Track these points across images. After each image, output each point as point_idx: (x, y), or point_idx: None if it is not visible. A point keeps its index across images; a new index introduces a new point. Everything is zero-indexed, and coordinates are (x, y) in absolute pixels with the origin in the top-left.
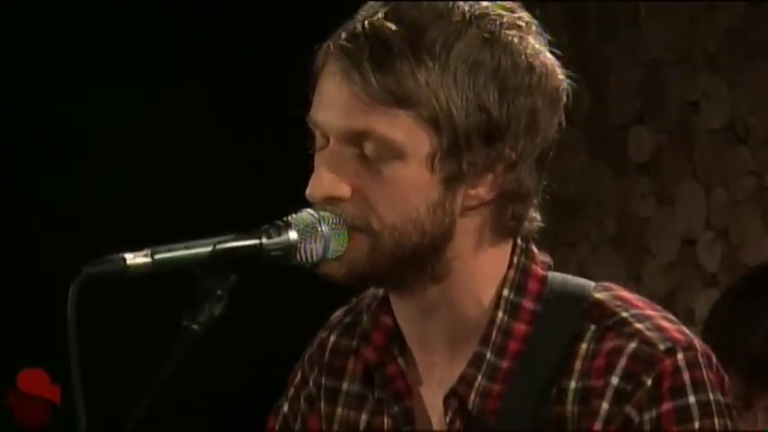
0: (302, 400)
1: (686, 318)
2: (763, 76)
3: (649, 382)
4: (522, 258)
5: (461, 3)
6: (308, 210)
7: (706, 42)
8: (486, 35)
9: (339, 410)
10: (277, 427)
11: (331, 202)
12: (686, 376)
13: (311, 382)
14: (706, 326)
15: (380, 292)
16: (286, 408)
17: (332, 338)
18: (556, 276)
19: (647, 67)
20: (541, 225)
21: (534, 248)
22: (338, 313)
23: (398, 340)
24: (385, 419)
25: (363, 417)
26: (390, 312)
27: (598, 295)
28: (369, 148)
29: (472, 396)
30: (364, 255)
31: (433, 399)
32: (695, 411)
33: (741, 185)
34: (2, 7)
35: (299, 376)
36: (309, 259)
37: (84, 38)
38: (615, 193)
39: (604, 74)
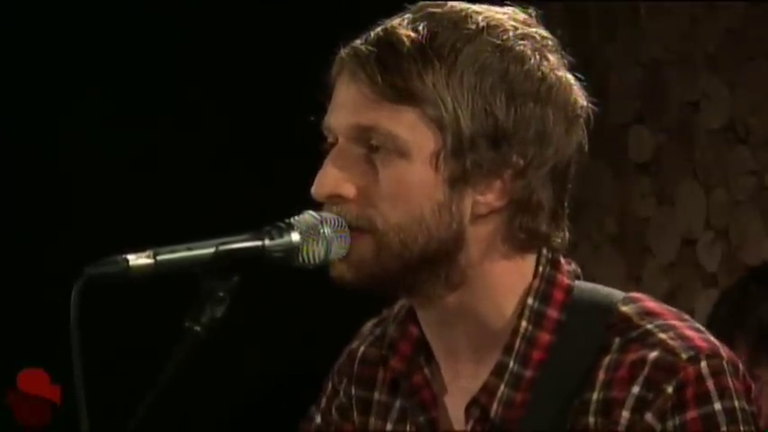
0: (334, 410)
1: None
2: (763, 76)
3: (670, 389)
4: (548, 268)
5: (475, 14)
6: (310, 212)
7: (706, 42)
8: (497, 42)
9: (372, 420)
10: None
11: (335, 200)
12: (710, 384)
13: (342, 393)
14: (720, 298)
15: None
16: (318, 419)
17: (361, 349)
18: (583, 286)
19: (647, 67)
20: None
21: (561, 258)
22: (369, 324)
23: (425, 350)
24: (408, 428)
25: (388, 426)
26: (417, 322)
27: (624, 308)
28: (374, 143)
29: (494, 405)
30: (370, 255)
31: (457, 408)
32: (721, 418)
33: (741, 185)
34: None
35: (329, 387)
36: (311, 261)
37: (89, 40)
38: (615, 193)
39: (604, 74)
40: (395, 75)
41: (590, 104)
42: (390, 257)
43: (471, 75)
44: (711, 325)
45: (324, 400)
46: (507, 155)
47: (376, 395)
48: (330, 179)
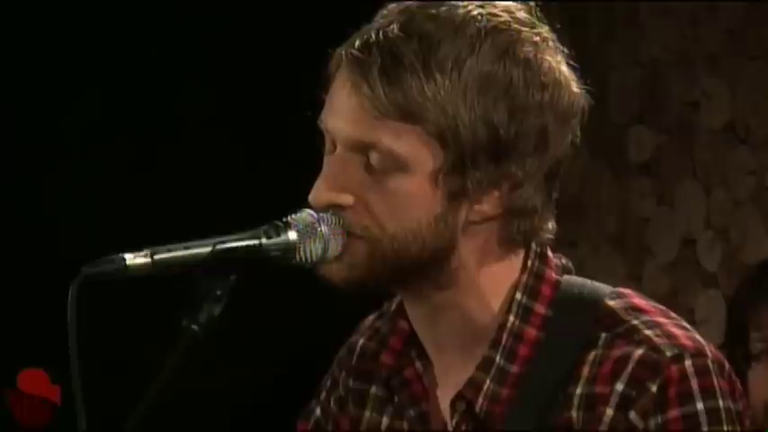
0: (333, 402)
1: (686, 318)
2: (763, 76)
3: (654, 388)
4: (537, 263)
5: (478, 14)
6: (308, 210)
7: (706, 42)
8: (499, 51)
9: (367, 414)
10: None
11: (333, 208)
12: (694, 383)
13: (341, 385)
14: (747, 273)
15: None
16: (318, 411)
17: (360, 342)
18: (571, 280)
19: (647, 67)
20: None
21: (549, 252)
22: (370, 318)
23: (416, 344)
24: (404, 423)
25: (384, 420)
26: (407, 316)
27: (611, 303)
28: (374, 158)
29: (480, 400)
30: (363, 260)
31: (447, 402)
32: (703, 418)
33: (741, 185)
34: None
35: (329, 380)
36: (309, 259)
37: (87, 39)
38: (615, 193)
39: (604, 74)
40: (397, 91)
41: (584, 93)
42: (382, 264)
43: (474, 90)
44: (735, 301)
45: (324, 393)
46: (507, 168)
47: (373, 389)
48: (328, 189)
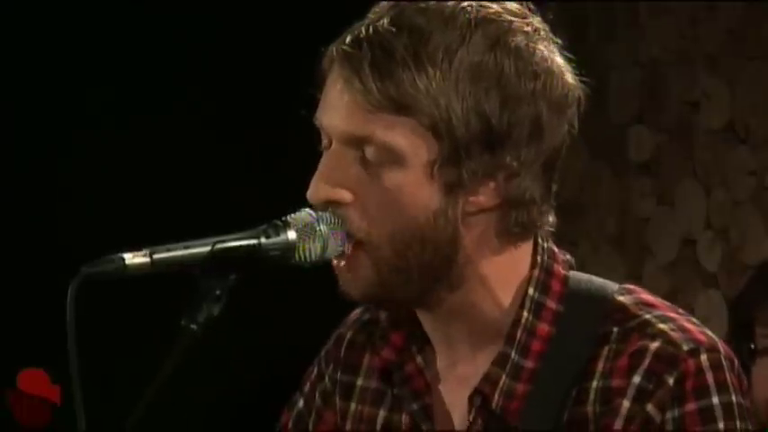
0: (317, 395)
1: None
2: (763, 76)
3: (671, 381)
4: (545, 258)
5: (469, 6)
6: (307, 209)
7: (706, 42)
8: (490, 41)
9: (353, 406)
10: (291, 424)
11: (331, 205)
12: (710, 377)
13: (327, 378)
14: (753, 270)
15: None
16: (301, 404)
17: (348, 335)
18: (577, 276)
19: (647, 67)
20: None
21: (555, 248)
22: (357, 311)
23: (417, 339)
24: (403, 417)
25: (381, 413)
26: (408, 312)
27: (621, 298)
28: (369, 152)
29: (496, 396)
30: (369, 272)
31: (454, 395)
32: (719, 412)
33: (741, 185)
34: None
35: (315, 372)
36: (308, 259)
37: (87, 40)
38: (615, 193)
39: (604, 74)
40: (389, 85)
41: (581, 83)
42: (389, 272)
43: (466, 80)
44: (741, 298)
45: (308, 385)
46: (501, 158)
47: (360, 381)
48: (324, 185)
